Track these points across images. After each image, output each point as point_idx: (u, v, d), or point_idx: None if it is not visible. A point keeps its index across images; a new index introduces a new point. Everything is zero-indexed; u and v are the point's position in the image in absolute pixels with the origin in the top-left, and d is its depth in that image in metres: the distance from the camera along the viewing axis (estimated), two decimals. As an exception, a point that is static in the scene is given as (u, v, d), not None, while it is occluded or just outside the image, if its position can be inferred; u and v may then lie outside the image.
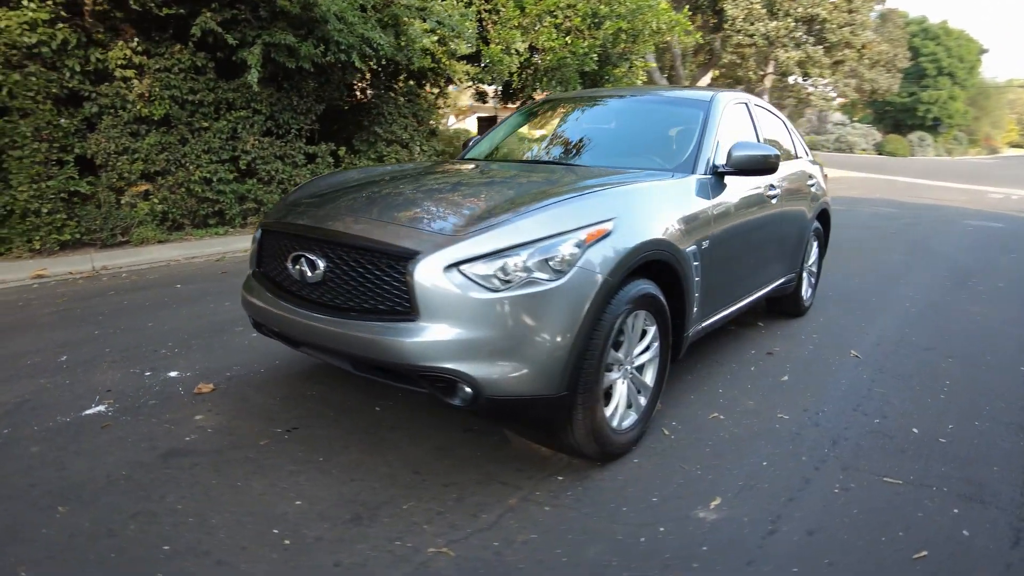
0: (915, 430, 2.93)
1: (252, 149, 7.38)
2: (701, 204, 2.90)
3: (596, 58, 9.95)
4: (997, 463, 2.65)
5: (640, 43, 10.18)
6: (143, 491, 2.27)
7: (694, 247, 2.79)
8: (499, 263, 2.10)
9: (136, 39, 6.32)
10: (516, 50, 9.09)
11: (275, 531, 2.07)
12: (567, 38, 9.58)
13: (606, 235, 2.27)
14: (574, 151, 3.52)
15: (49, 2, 5.66)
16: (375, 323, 2.17)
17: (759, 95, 23.78)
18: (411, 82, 9.31)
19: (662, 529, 2.13)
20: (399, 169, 3.39)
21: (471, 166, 3.35)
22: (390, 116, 8.95)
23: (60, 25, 5.80)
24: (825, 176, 5.06)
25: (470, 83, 9.57)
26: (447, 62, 8.77)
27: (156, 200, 6.70)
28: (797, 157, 4.55)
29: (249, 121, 7.32)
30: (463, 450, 2.60)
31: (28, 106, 5.71)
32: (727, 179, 3.21)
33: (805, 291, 4.68)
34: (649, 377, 2.70)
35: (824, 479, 2.48)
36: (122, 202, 6.46)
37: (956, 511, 2.29)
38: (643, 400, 2.68)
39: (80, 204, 6.23)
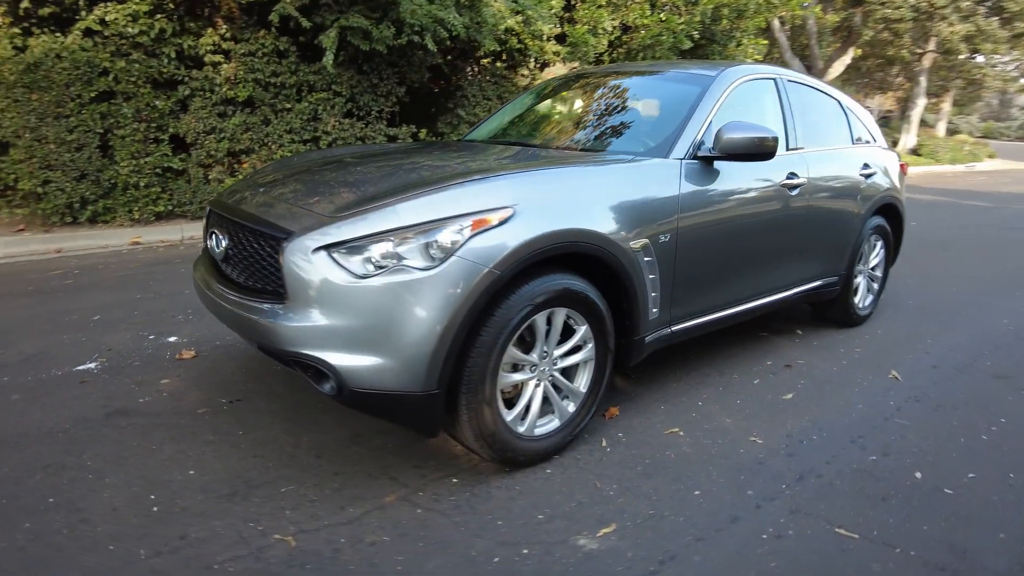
0: (918, 475, 2.42)
1: (332, 130, 7.72)
2: (663, 192, 2.57)
3: (697, 36, 9.28)
4: (1006, 529, 2.12)
5: (747, 20, 9.33)
6: (70, 445, 2.44)
7: (646, 240, 2.47)
8: (368, 249, 1.98)
9: (225, 26, 6.81)
10: (604, 29, 8.69)
11: (152, 497, 2.13)
12: (661, 15, 9.00)
13: (500, 223, 2.06)
14: (556, 132, 3.27)
15: (150, -5, 6.24)
16: (257, 303, 2.14)
17: (916, 76, 21.00)
18: (499, 64, 9.25)
19: (525, 551, 1.92)
20: (378, 149, 3.34)
21: (437, 148, 3.21)
22: (473, 98, 8.95)
23: (158, 16, 6.38)
24: (903, 167, 4.32)
25: (562, 64, 9.31)
26: (531, 43, 8.59)
27: (241, 176, 7.23)
28: (856, 143, 3.92)
29: (330, 103, 7.65)
30: (379, 439, 2.53)
31: (130, 90, 6.37)
32: (719, 165, 2.83)
33: (861, 298, 4.06)
34: (581, 382, 2.45)
35: (757, 521, 2.11)
36: (210, 177, 7.04)
37: (905, 583, 1.86)
38: (571, 406, 2.44)
39: (173, 179, 6.87)
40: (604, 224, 2.31)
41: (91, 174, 6.30)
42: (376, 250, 1.98)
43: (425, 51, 7.88)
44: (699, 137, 2.79)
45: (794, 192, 3.23)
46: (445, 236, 2.00)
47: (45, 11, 5.90)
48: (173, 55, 6.60)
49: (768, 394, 3.09)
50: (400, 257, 1.98)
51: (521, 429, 2.29)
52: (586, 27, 8.51)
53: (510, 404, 2.28)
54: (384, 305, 1.95)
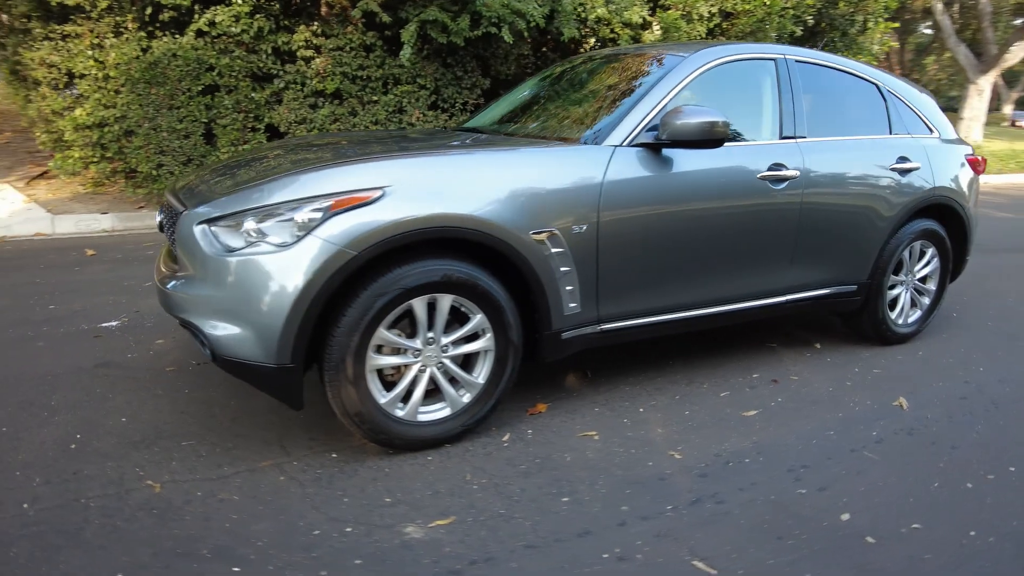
0: (845, 516, 2.08)
1: (417, 122, 8.05)
2: (580, 181, 2.42)
3: (810, 21, 8.46)
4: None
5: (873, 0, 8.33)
6: (49, 387, 2.83)
7: (552, 230, 2.35)
8: (238, 224, 2.09)
9: (316, 23, 7.35)
10: (699, 15, 8.19)
11: (78, 436, 2.41)
12: (767, -1, 8.30)
13: (363, 204, 2.08)
14: (529, 119, 3.18)
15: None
16: (168, 272, 2.34)
17: None
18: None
19: (348, 530, 1.93)
20: (354, 135, 3.47)
21: (403, 135, 3.23)
22: (561, 90, 8.88)
23: (257, 16, 7.04)
24: (975, 162, 3.66)
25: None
26: (622, 31, 8.33)
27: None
28: (898, 133, 3.39)
29: (414, 95, 7.98)
30: (296, 413, 2.63)
31: (231, 84, 7.09)
32: (674, 154, 2.61)
33: (901, 313, 3.53)
34: (480, 373, 2.40)
35: (610, 538, 1.94)
36: (299, 165, 7.66)
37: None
38: (467, 397, 2.40)
39: (267, 165, 7.57)
40: (490, 210, 2.23)
41: (196, 159, 7.11)
42: (244, 226, 2.08)
43: (515, 43, 7.94)
44: (645, 123, 2.58)
45: (780, 186, 2.87)
46: (302, 215, 2.05)
47: (165, 16, 6.74)
48: (270, 51, 7.25)
49: (728, 408, 2.80)
50: (262, 233, 2.07)
51: (400, 413, 2.30)
52: (679, 13, 8.07)
53: (393, 387, 2.30)
54: (244, 278, 2.06)
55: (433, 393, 2.39)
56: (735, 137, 2.85)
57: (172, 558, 1.79)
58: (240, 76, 7.12)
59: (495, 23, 7.31)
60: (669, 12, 8.09)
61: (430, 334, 2.29)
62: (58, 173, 7.34)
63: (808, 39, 8.77)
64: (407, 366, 2.30)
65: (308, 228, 2.05)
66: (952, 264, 3.72)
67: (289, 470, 2.24)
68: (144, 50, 6.82)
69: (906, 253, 3.48)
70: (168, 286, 2.25)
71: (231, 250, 2.08)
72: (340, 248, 2.04)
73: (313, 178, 2.14)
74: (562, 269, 2.42)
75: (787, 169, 2.88)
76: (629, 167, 2.53)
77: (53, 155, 7.32)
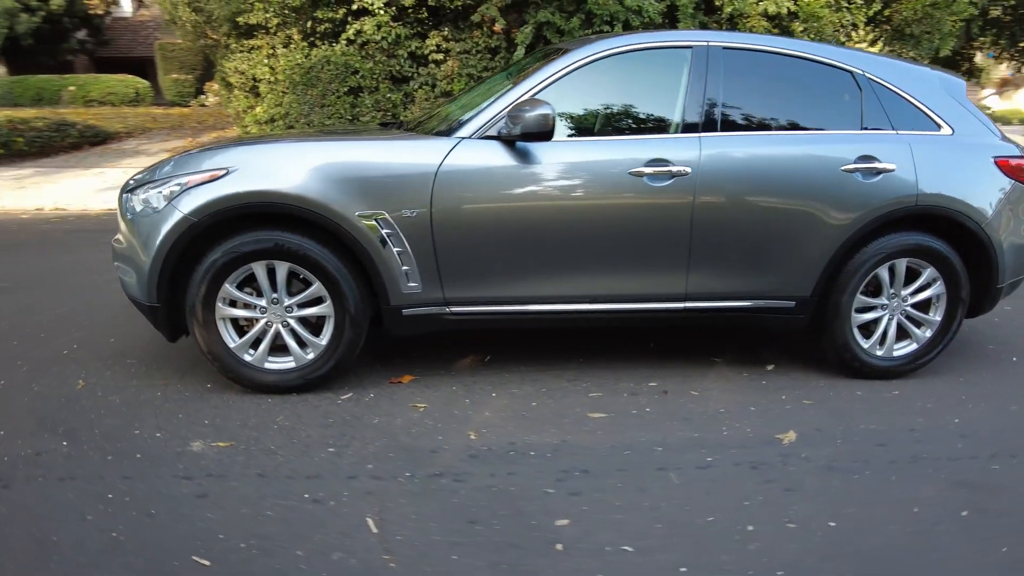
0: (562, 523, 2.01)
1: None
2: (414, 169, 2.60)
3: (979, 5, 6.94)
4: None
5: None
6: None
7: (381, 212, 2.57)
8: (140, 194, 2.69)
9: (447, 29, 8.06)
10: (852, 2, 7.19)
11: (55, 371, 3.13)
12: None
13: (209, 181, 2.53)
14: (435, 114, 3.34)
15: (392, 9, 7.85)
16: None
17: None
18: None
19: (159, 435, 2.43)
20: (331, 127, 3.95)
21: (353, 128, 3.62)
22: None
23: (395, 24, 7.96)
24: (1010, 164, 2.91)
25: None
26: (758, 23, 7.71)
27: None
28: (865, 128, 2.86)
29: (536, 94, 8.33)
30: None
31: (372, 85, 8.13)
32: (532, 146, 2.64)
33: (882, 342, 3.01)
34: (324, 335, 2.73)
35: (319, 484, 2.16)
36: (426, 157, 8.50)
37: None
38: (311, 354, 2.75)
39: (398, 157, 8.53)
40: (316, 190, 2.54)
41: (339, 150, 8.33)
42: (139, 195, 2.68)
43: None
44: (501, 116, 2.64)
45: (664, 183, 2.68)
46: (168, 188, 2.58)
47: (322, 28, 8.00)
48: (406, 55, 8.16)
49: (580, 408, 2.73)
50: (148, 202, 2.65)
51: (248, 358, 2.73)
52: (824, 1, 7.19)
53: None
54: (134, 235, 2.66)
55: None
56: (612, 130, 2.74)
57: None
58: (380, 78, 8.14)
59: (608, 21, 7.32)
60: (812, 1, 7.26)
61: (275, 295, 2.69)
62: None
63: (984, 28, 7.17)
64: (256, 320, 2.73)
65: (170, 199, 2.58)
66: (972, 294, 3.02)
67: (169, 392, 2.81)
68: (306, 57, 8.17)
69: (884, 272, 2.93)
70: (112, 240, 2.97)
71: (132, 213, 2.71)
72: (184, 215, 2.54)
73: (184, 160, 2.68)
74: (395, 249, 2.63)
75: (673, 165, 2.68)
76: (472, 158, 2.63)
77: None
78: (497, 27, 8.05)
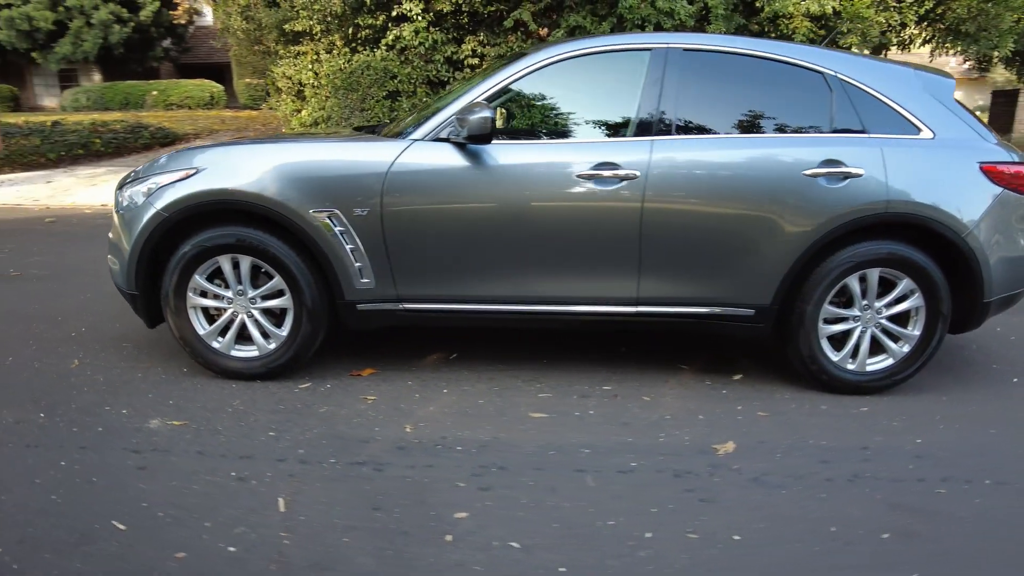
0: (459, 515, 2.05)
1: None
2: (365, 169, 2.71)
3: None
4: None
5: None
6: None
7: (334, 210, 2.69)
8: (125, 190, 2.92)
9: (482, 34, 8.19)
10: (895, 2, 6.82)
11: (59, 351, 3.48)
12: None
13: (180, 180, 2.73)
14: (405, 117, 3.44)
15: (429, 15, 8.06)
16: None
17: None
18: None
19: (124, 411, 2.64)
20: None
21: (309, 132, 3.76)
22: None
23: (433, 30, 8.16)
24: (999, 172, 2.72)
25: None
26: (801, 24, 7.44)
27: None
28: (834, 131, 2.74)
29: (570, 97, 8.34)
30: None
31: (410, 90, 8.37)
32: (483, 148, 2.71)
33: (851, 355, 2.87)
34: (284, 327, 2.88)
35: (249, 465, 2.29)
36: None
37: None
38: (272, 344, 2.90)
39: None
40: (273, 188, 2.68)
41: (377, 152, 8.61)
42: (126, 191, 2.92)
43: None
44: (453, 119, 2.71)
45: (611, 186, 2.66)
46: (146, 186, 2.80)
47: (363, 34, 8.30)
48: (443, 60, 8.34)
49: (525, 408, 2.76)
50: (132, 198, 2.87)
51: (216, 345, 2.91)
52: (868, 1, 6.84)
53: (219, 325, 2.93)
54: (119, 227, 2.89)
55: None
56: (565, 133, 2.75)
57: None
58: (418, 83, 8.36)
59: (639, 24, 7.27)
60: (856, 1, 6.93)
61: (241, 287, 2.86)
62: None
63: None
64: (224, 309, 2.91)
65: (147, 195, 2.80)
66: (957, 309, 2.83)
67: (149, 374, 3.04)
68: (347, 63, 8.50)
69: (855, 281, 2.80)
70: (109, 233, 3.24)
71: (121, 208, 2.95)
72: (157, 210, 2.75)
73: (164, 160, 2.89)
74: (348, 247, 2.75)
75: (620, 169, 2.66)
76: (422, 159, 2.71)
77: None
78: (543, 31, 8.12)
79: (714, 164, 2.72)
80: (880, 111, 2.80)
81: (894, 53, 9.44)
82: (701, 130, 2.78)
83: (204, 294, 2.89)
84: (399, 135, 2.83)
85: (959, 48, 6.89)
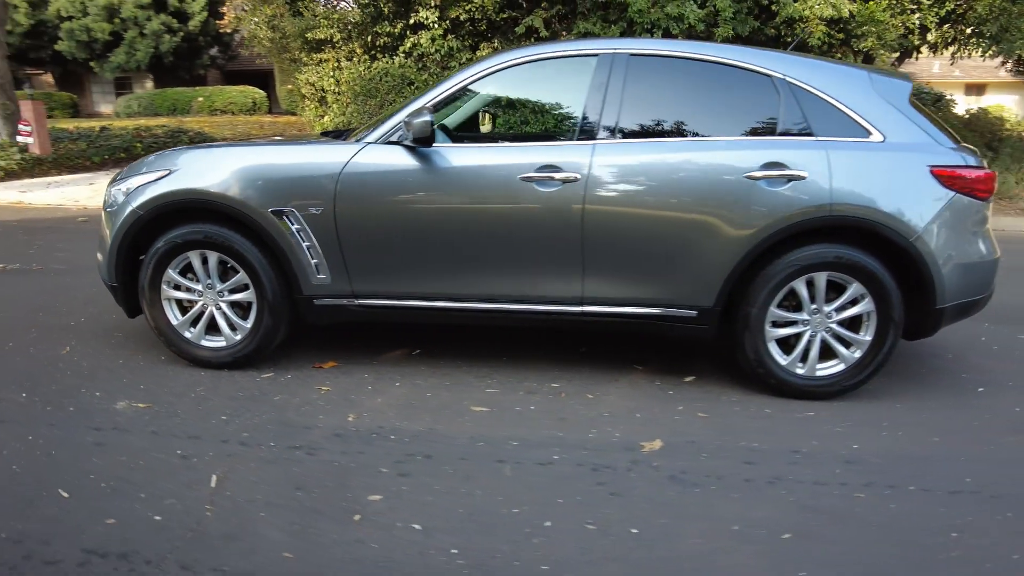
0: (373, 496, 2.16)
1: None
2: (319, 171, 2.87)
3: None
4: None
5: None
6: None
7: (289, 208, 2.86)
8: (110, 189, 3.15)
9: (496, 41, 8.33)
10: (914, 1, 6.63)
11: (56, 338, 3.80)
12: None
13: (154, 180, 2.93)
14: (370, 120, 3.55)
15: (445, 23, 8.26)
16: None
17: None
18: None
19: (98, 393, 2.85)
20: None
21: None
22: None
23: (449, 37, 8.35)
24: (965, 178, 2.67)
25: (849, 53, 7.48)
26: (816, 28, 7.33)
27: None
28: (780, 134, 2.74)
29: (584, 102, 8.40)
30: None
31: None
32: (433, 150, 2.83)
33: (799, 359, 2.86)
34: (249, 319, 3.05)
35: (194, 445, 2.46)
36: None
37: None
38: (238, 336, 3.08)
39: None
40: (234, 188, 2.87)
41: (394, 156, 8.84)
42: (112, 190, 3.14)
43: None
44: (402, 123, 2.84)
45: (552, 188, 2.74)
46: (127, 186, 3.02)
47: (381, 42, 8.55)
48: (459, 67, 8.52)
49: (467, 401, 2.86)
50: (115, 196, 3.10)
51: (189, 335, 3.11)
52: (882, 5, 6.68)
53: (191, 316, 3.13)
54: (104, 224, 3.12)
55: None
56: (513, 136, 2.83)
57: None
58: (432, 88, 8.57)
59: (648, 29, 7.29)
60: (870, 4, 6.78)
61: (210, 281, 3.05)
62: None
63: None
64: (195, 302, 3.10)
65: (127, 194, 3.02)
66: (912, 315, 2.79)
67: (130, 361, 3.26)
68: (367, 70, 8.77)
69: (802, 285, 2.79)
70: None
71: (107, 205, 3.18)
72: (133, 208, 2.96)
73: (143, 162, 3.10)
74: (304, 244, 2.90)
75: (561, 171, 2.73)
76: (374, 160, 2.85)
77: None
78: (562, 36, 8.22)
79: (653, 167, 2.76)
80: (829, 114, 2.79)
81: (925, 58, 9.16)
82: (645, 133, 2.84)
83: (177, 287, 3.09)
84: (356, 139, 2.97)
85: (982, 49, 6.65)
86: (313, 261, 2.95)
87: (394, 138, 2.87)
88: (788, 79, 2.82)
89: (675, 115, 2.86)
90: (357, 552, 1.92)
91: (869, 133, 2.78)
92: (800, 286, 2.82)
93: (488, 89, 2.95)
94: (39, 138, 9.84)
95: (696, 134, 2.85)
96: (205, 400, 2.85)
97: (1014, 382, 3.19)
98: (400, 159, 2.86)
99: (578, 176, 2.76)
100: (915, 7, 6.77)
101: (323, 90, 9.13)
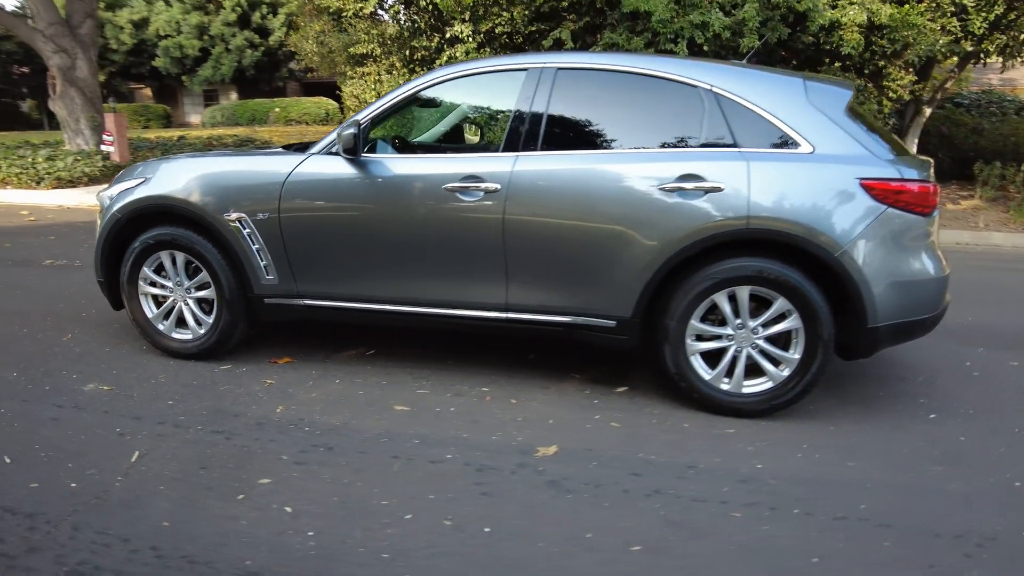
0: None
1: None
2: (266, 179, 3.11)
3: None
4: None
5: None
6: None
7: (241, 213, 3.11)
8: (102, 194, 3.52)
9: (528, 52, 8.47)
10: (958, 4, 6.21)
11: (64, 327, 4.24)
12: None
13: (133, 187, 3.27)
14: None
15: (479, 36, 8.49)
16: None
17: None
18: (837, 64, 7.79)
19: (75, 375, 3.18)
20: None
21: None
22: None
23: (484, 50, 8.56)
24: (899, 191, 2.56)
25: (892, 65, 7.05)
26: (851, 36, 7.03)
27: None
28: (704, 145, 2.71)
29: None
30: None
31: (460, 106, 8.83)
32: (371, 159, 3.02)
33: (724, 374, 2.83)
34: (212, 315, 3.33)
35: (132, 431, 2.71)
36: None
37: None
38: (202, 329, 3.36)
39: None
40: (196, 195, 3.14)
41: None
42: (103, 194, 3.51)
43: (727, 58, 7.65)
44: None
45: (474, 198, 2.83)
46: (112, 191, 3.38)
47: (419, 55, 8.88)
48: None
49: (393, 400, 3.01)
50: (104, 200, 3.46)
51: (162, 328, 3.42)
52: (919, 8, 6.31)
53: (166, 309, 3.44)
54: (97, 225, 3.49)
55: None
56: (442, 147, 2.95)
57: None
58: (466, 100, 8.81)
59: (672, 39, 7.22)
60: (903, 8, 6.42)
61: (179, 278, 3.35)
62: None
63: None
64: (167, 297, 3.40)
65: (111, 199, 3.37)
66: (842, 333, 2.69)
67: (115, 349, 3.62)
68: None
69: (723, 299, 2.75)
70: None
71: (100, 208, 3.55)
72: (113, 212, 3.31)
73: (131, 169, 3.45)
74: (254, 246, 3.14)
75: (483, 181, 2.82)
76: (315, 169, 3.05)
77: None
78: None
79: (571, 177, 2.81)
80: (756, 124, 2.75)
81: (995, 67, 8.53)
82: (567, 145, 2.89)
83: (152, 284, 3.42)
84: (305, 149, 3.20)
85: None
86: (263, 263, 3.18)
87: (334, 149, 3.07)
88: (715, 90, 2.80)
89: (598, 127, 2.90)
90: (226, 526, 2.10)
91: (798, 144, 2.72)
92: (722, 300, 2.78)
93: (427, 101, 3.10)
94: (119, 147, 10.83)
95: (618, 146, 2.87)
96: (162, 386, 3.14)
97: (975, 410, 2.99)
98: (339, 168, 3.05)
99: (499, 187, 2.85)
100: (955, 11, 6.33)
101: (366, 103, 9.57)
